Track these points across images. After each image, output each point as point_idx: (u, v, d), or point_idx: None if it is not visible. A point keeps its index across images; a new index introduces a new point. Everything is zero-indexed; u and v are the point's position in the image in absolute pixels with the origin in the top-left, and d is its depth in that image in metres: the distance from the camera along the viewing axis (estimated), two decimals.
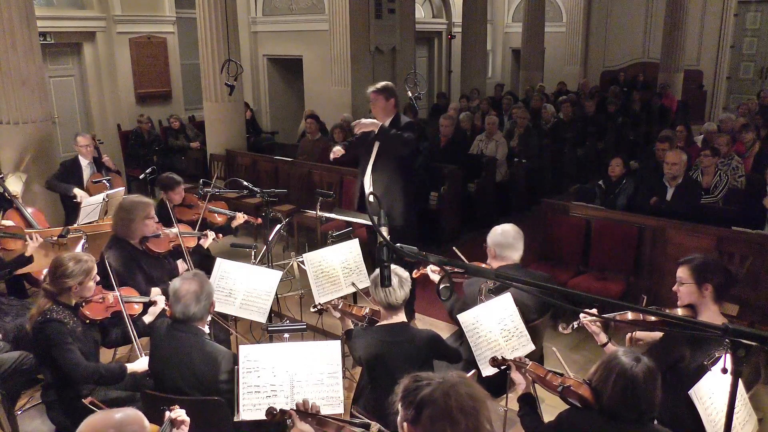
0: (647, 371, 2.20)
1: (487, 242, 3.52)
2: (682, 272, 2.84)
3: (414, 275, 3.56)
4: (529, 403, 2.63)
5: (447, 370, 3.22)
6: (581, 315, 2.93)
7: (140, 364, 3.28)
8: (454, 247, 3.81)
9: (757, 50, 14.75)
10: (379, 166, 4.76)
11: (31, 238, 4.32)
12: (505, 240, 3.45)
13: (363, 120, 4.69)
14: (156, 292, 3.76)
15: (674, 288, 2.88)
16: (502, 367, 2.75)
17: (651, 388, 2.20)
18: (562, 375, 2.54)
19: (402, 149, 4.66)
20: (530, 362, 2.65)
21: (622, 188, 5.75)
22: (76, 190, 5.85)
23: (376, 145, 4.77)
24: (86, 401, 2.62)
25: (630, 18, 16.11)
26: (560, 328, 3.05)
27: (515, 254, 3.46)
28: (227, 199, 6.39)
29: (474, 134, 8.49)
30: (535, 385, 2.72)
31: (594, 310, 2.95)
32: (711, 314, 2.78)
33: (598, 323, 2.91)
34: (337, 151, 4.87)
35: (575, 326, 2.98)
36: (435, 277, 3.52)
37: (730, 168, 6.39)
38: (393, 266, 2.92)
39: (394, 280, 2.89)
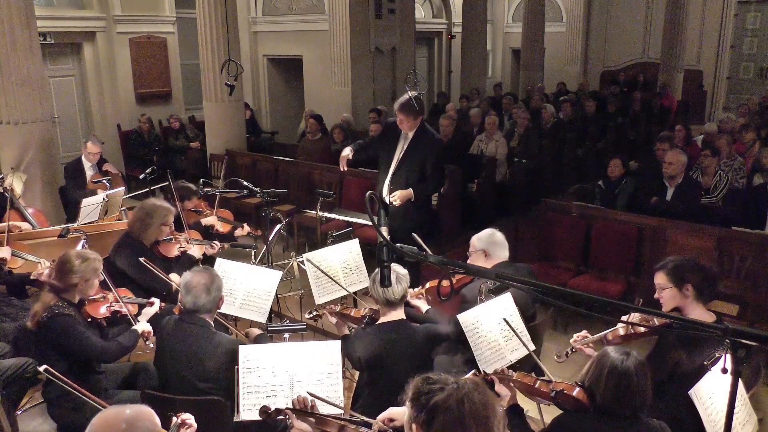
0: (638, 365, 2.21)
1: (474, 248, 3.61)
2: (659, 278, 2.82)
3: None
4: (517, 413, 2.57)
5: (450, 360, 3.24)
6: (572, 341, 2.96)
7: (145, 326, 3.41)
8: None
9: (757, 50, 14.76)
10: (399, 174, 4.76)
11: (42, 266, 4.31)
12: (495, 239, 3.58)
13: (398, 195, 4.62)
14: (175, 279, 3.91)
15: (656, 296, 2.85)
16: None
17: (643, 382, 2.20)
18: (550, 381, 2.50)
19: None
20: (515, 373, 2.59)
21: (621, 188, 5.74)
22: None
23: (400, 151, 4.77)
24: (41, 368, 2.70)
25: (630, 18, 16.11)
26: (555, 357, 3.03)
27: (506, 252, 3.59)
28: (228, 200, 6.41)
29: (479, 132, 8.49)
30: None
31: (584, 333, 2.95)
32: (698, 313, 2.76)
33: (591, 345, 2.90)
34: (345, 157, 4.87)
35: (569, 353, 2.97)
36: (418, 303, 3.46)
37: (732, 169, 6.38)
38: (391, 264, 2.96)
39: (392, 276, 2.91)
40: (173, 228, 4.37)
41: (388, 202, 4.63)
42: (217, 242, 4.69)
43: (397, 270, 3.00)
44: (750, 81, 14.94)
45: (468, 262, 3.59)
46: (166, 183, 5.22)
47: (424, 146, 4.72)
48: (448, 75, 15.78)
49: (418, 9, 13.75)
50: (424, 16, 14.85)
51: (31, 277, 4.26)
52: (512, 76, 17.26)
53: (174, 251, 4.32)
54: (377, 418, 2.25)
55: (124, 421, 1.80)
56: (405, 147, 4.76)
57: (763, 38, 14.63)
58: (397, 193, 4.60)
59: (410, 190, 4.64)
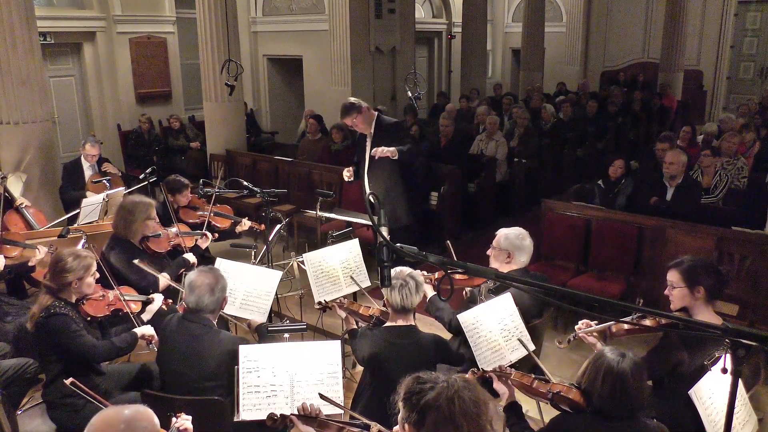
0: (634, 366, 2.21)
1: (498, 245, 3.40)
2: (672, 276, 2.81)
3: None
4: (515, 412, 2.57)
5: (448, 370, 3.22)
6: (576, 328, 2.93)
7: (146, 329, 3.37)
8: (447, 242, 3.63)
9: (757, 50, 14.76)
10: (374, 169, 4.80)
11: (39, 251, 4.32)
12: (525, 244, 3.39)
13: (380, 150, 4.76)
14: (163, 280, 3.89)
15: (666, 292, 2.85)
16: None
17: (639, 383, 2.20)
18: (548, 381, 2.50)
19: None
20: (514, 371, 2.59)
21: (621, 188, 5.74)
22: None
23: (369, 148, 4.83)
24: (67, 382, 2.66)
25: (630, 18, 16.11)
26: (557, 343, 3.03)
27: (526, 257, 3.42)
28: (228, 200, 6.40)
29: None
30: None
31: (588, 321, 2.92)
32: (706, 315, 2.76)
33: (594, 333, 2.89)
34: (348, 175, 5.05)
35: (571, 339, 2.96)
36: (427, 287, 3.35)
37: (735, 168, 6.38)
38: (411, 271, 2.97)
39: (411, 284, 2.90)
40: (159, 221, 4.32)
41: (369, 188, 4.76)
42: (208, 233, 4.68)
43: (416, 278, 2.94)
44: (750, 81, 14.94)
45: (490, 256, 3.46)
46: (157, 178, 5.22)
47: (387, 131, 4.85)
48: (448, 75, 15.78)
49: (418, 9, 13.74)
50: (424, 16, 14.85)
51: (30, 264, 4.26)
52: (512, 76, 17.26)
53: (165, 245, 4.29)
54: None
55: (122, 421, 1.80)
56: (371, 141, 4.90)
57: (763, 38, 14.63)
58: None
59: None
